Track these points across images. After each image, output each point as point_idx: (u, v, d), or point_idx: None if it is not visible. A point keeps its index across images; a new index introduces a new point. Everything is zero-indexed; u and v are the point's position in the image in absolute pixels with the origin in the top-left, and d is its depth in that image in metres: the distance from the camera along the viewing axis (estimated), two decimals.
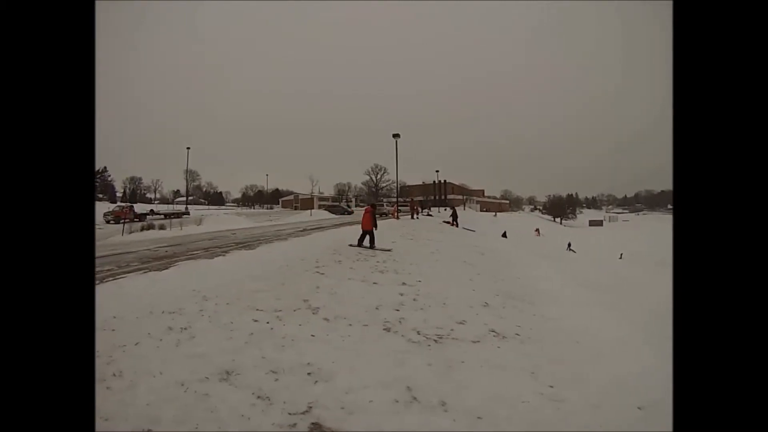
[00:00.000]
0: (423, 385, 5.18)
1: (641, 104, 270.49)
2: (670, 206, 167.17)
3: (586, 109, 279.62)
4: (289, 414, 4.16)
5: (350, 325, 6.97)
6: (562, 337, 8.62)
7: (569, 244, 40.96)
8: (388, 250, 15.89)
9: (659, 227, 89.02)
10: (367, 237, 16.40)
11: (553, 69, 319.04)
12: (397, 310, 8.13)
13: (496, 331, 7.83)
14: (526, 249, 29.33)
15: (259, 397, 4.41)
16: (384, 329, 7.01)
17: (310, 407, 4.31)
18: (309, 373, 5.05)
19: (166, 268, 10.73)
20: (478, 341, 7.19)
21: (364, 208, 18.15)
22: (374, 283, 10.21)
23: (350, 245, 16.44)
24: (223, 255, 13.13)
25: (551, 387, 5.76)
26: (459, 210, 44.37)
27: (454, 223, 37.60)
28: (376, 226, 16.67)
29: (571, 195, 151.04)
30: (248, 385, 4.63)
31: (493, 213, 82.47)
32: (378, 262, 13.07)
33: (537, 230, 55.96)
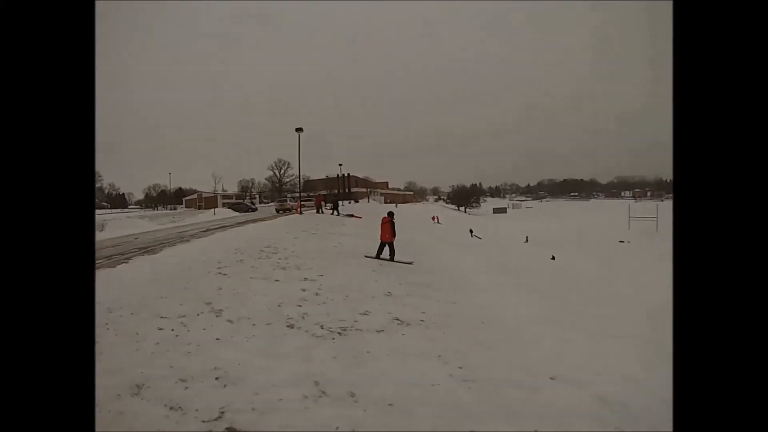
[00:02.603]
0: (330, 378, 5.25)
1: (551, 97, 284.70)
2: (572, 193, 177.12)
3: (496, 101, 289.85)
4: (203, 422, 4.12)
5: (254, 325, 6.95)
6: (467, 319, 9.07)
7: (471, 231, 41.71)
8: (410, 263, 15.51)
9: (561, 212, 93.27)
10: (386, 249, 15.53)
11: (469, 63, 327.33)
12: (300, 306, 8.17)
13: (400, 319, 8.07)
14: (429, 237, 29.98)
15: (171, 408, 4.31)
16: (287, 326, 7.05)
17: (223, 412, 4.28)
18: (217, 378, 5.01)
19: None
20: (383, 330, 7.38)
21: (381, 218, 16.26)
22: (276, 280, 10.20)
23: (366, 256, 15.60)
24: (126, 262, 12.55)
25: (460, 368, 5.98)
26: (363, 202, 45.02)
27: (335, 211, 38.75)
28: (395, 236, 15.71)
29: (475, 185, 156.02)
30: (160, 397, 4.52)
31: (395, 204, 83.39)
32: (280, 258, 13.02)
33: (434, 217, 56.08)
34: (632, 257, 28.52)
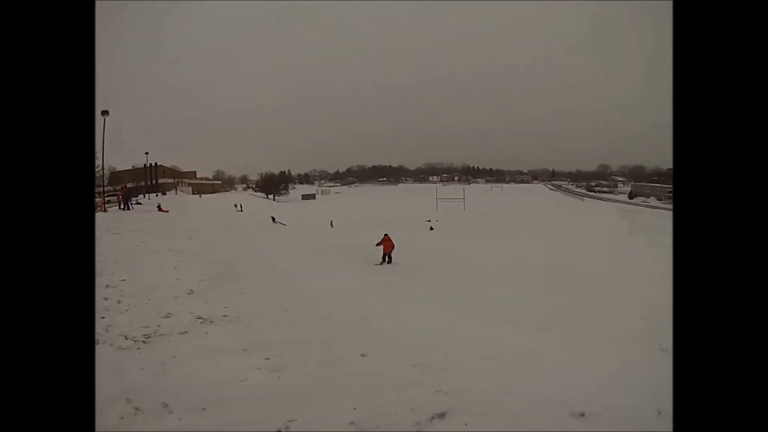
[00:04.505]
0: (141, 392, 5.12)
1: (356, 85, 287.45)
2: (381, 179, 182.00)
3: (305, 89, 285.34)
4: None
5: None
6: (271, 309, 9.33)
7: (273, 218, 41.96)
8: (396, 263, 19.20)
9: (370, 196, 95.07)
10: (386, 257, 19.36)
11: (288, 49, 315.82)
12: (103, 318, 7.71)
13: (203, 318, 8.20)
14: (233, 228, 29.54)
15: None
16: None
17: None
18: None
19: None
20: (186, 332, 7.46)
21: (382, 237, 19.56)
22: None
23: (375, 264, 18.73)
24: None
25: (267, 359, 6.25)
26: (170, 194, 44.13)
27: (126, 206, 35.52)
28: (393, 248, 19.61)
29: (284, 172, 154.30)
30: None
31: (199, 194, 79.75)
32: None
33: (237, 205, 55.07)
34: (444, 233, 30.92)
